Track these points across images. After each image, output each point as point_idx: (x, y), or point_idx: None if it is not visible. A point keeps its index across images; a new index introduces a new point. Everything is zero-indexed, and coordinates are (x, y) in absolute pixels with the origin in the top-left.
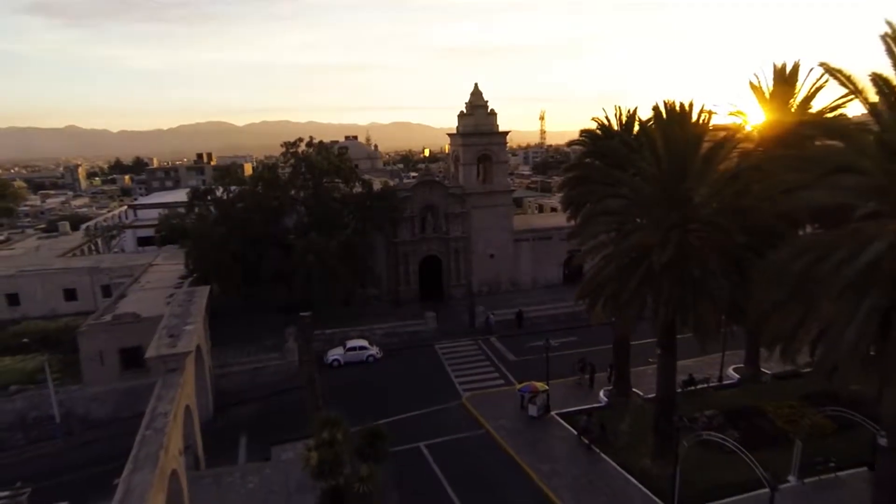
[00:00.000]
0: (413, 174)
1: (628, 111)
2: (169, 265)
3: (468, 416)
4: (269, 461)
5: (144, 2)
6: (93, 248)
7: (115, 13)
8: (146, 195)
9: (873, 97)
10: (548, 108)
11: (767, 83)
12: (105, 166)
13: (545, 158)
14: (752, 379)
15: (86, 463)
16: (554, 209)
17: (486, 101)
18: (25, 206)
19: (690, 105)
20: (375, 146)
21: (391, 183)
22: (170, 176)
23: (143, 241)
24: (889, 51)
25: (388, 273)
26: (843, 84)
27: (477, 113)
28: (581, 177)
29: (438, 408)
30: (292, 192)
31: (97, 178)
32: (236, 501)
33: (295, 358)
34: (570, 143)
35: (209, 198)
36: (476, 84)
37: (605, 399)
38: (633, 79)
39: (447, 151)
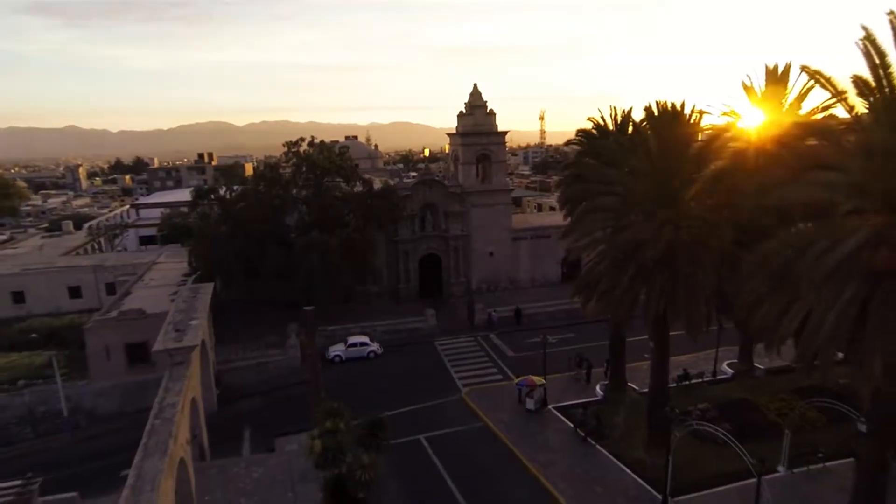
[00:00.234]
0: (413, 174)
1: (623, 111)
2: (172, 263)
3: (467, 409)
4: (273, 452)
5: (144, 2)
6: (96, 246)
7: (115, 13)
8: (147, 195)
9: (860, 98)
10: (548, 108)
11: (760, 84)
12: (105, 166)
13: (545, 158)
14: (745, 374)
15: (93, 456)
16: (553, 208)
17: (486, 101)
18: (27, 205)
19: (682, 105)
20: (376, 146)
21: (391, 182)
22: (171, 176)
23: (145, 241)
24: (867, 54)
25: (388, 271)
26: (823, 86)
27: (476, 113)
28: (577, 175)
29: (438, 402)
30: (294, 190)
31: (98, 179)
32: (242, 490)
33: (297, 354)
34: (567, 143)
35: (212, 196)
36: (475, 84)
37: (601, 393)
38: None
39: (447, 151)
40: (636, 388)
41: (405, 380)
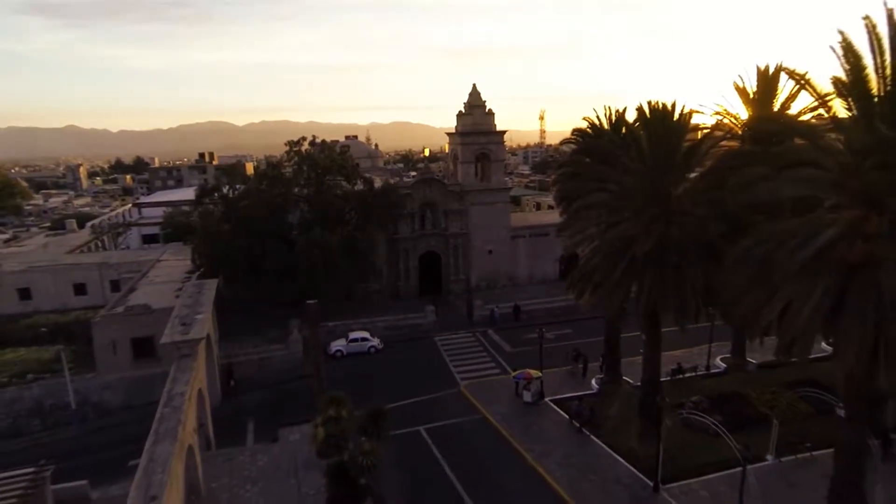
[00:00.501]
0: (413, 173)
1: (617, 111)
2: (175, 261)
3: (466, 402)
4: (276, 442)
5: (144, 2)
6: (99, 245)
7: (115, 13)
8: (148, 194)
9: (840, 99)
10: (548, 108)
11: (752, 84)
12: (105, 166)
13: (544, 158)
14: (737, 368)
15: (100, 447)
16: (551, 207)
17: (484, 101)
18: (29, 205)
19: (672, 105)
20: (376, 145)
21: (392, 181)
22: (172, 175)
23: (147, 239)
24: (847, 56)
25: (388, 268)
26: (803, 88)
27: (475, 112)
28: (572, 173)
29: (437, 395)
30: (296, 189)
31: (98, 178)
32: (247, 477)
33: (299, 349)
34: (563, 142)
35: (216, 195)
36: (474, 84)
37: (597, 387)
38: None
39: (447, 151)
40: (631, 381)
41: (405, 374)
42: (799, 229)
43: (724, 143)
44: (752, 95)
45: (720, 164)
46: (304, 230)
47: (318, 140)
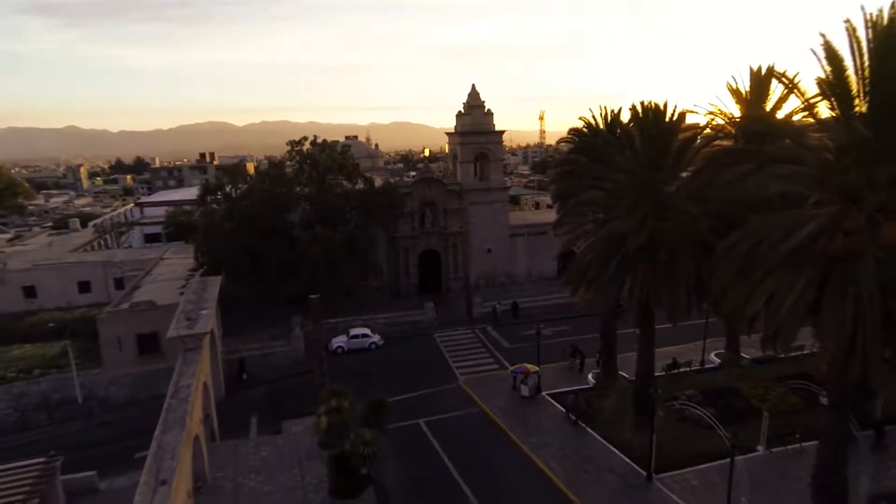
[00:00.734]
0: (413, 173)
1: (612, 111)
2: (178, 259)
3: (464, 396)
4: (280, 434)
5: (144, 2)
6: (102, 243)
7: (115, 13)
8: (149, 194)
9: (823, 100)
10: (548, 108)
11: (745, 85)
12: (105, 166)
13: (544, 158)
14: (732, 363)
15: (106, 440)
16: (550, 206)
17: (483, 102)
18: (30, 205)
19: (665, 105)
20: (376, 145)
21: (392, 181)
22: (173, 175)
23: (150, 238)
24: (829, 59)
25: (388, 266)
26: (785, 86)
27: (474, 112)
28: (568, 171)
29: (436, 389)
30: (297, 188)
31: (99, 179)
32: (252, 467)
33: (300, 346)
34: (559, 141)
35: (219, 193)
36: (473, 85)
37: (593, 381)
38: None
39: (447, 151)
40: (627, 376)
41: (405, 369)
42: (781, 224)
43: (717, 142)
44: (745, 95)
45: (710, 163)
46: (306, 228)
47: (319, 140)
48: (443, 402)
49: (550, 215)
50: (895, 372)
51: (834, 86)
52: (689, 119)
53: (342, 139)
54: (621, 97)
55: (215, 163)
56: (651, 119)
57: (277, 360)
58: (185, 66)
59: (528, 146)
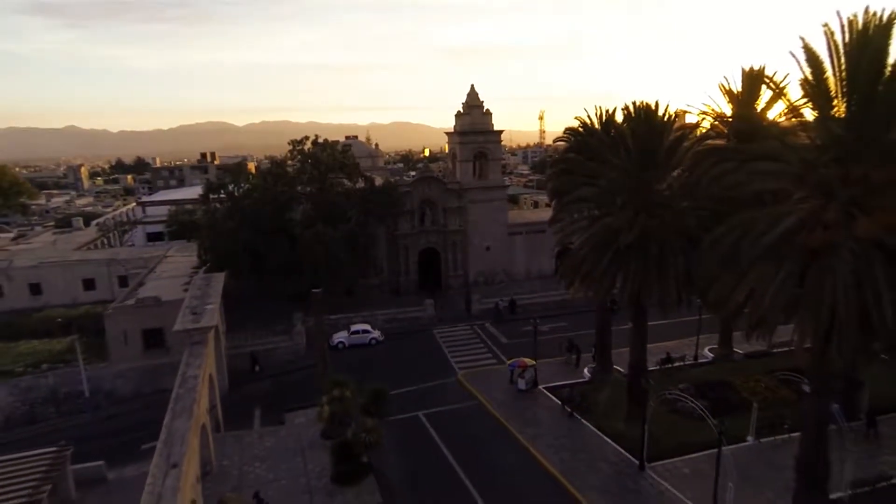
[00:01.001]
0: (412, 173)
1: (607, 111)
2: (181, 257)
3: (463, 390)
4: (283, 425)
5: (144, 2)
6: (105, 242)
7: (115, 13)
8: (150, 194)
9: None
10: (548, 108)
11: (737, 85)
12: (105, 166)
13: (543, 158)
14: (725, 358)
15: (113, 433)
16: (549, 205)
17: (482, 102)
18: (33, 204)
19: (656, 105)
20: (376, 145)
21: (392, 180)
22: (174, 175)
23: (152, 237)
24: (809, 61)
25: (388, 264)
26: (769, 87)
27: (473, 112)
28: (563, 169)
29: (436, 383)
30: (299, 186)
31: (99, 178)
32: (256, 456)
33: (302, 341)
34: (556, 140)
35: (222, 192)
36: (472, 85)
37: (589, 375)
38: (633, 79)
39: (447, 151)
40: (622, 370)
41: (405, 364)
42: (763, 218)
43: (709, 141)
44: (737, 96)
45: (698, 161)
46: (307, 226)
47: (320, 140)
48: (442, 395)
49: (549, 214)
50: (888, 365)
51: (814, 87)
52: (686, 119)
53: (342, 139)
54: (621, 97)
55: (216, 163)
56: (642, 119)
57: (280, 355)
58: (184, 66)
59: (527, 146)
